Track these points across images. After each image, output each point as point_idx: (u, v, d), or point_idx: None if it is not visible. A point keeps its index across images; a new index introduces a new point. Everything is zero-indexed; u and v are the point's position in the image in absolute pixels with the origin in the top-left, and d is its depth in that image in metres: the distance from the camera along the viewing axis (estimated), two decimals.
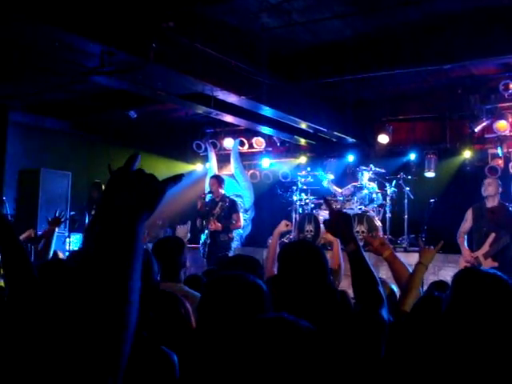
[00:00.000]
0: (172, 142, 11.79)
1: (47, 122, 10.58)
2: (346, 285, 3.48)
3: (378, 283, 2.21)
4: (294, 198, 10.13)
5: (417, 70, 8.02)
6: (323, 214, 9.38)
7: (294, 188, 10.18)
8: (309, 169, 10.40)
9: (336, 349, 1.93)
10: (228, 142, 11.60)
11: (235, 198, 9.49)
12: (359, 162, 10.27)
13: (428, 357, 1.86)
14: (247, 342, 1.26)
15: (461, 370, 1.76)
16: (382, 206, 9.53)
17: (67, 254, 8.13)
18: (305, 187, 10.21)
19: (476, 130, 9.23)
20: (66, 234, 9.30)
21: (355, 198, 9.47)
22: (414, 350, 1.99)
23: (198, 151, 11.92)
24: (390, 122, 10.27)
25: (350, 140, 10.46)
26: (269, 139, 11.38)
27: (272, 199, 10.86)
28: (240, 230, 10.39)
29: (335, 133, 10.03)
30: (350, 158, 10.73)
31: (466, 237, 7.10)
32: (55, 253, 5.47)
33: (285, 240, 8.94)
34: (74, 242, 9.53)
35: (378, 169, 9.60)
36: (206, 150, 11.81)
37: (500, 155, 9.34)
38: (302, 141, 10.90)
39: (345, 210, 9.40)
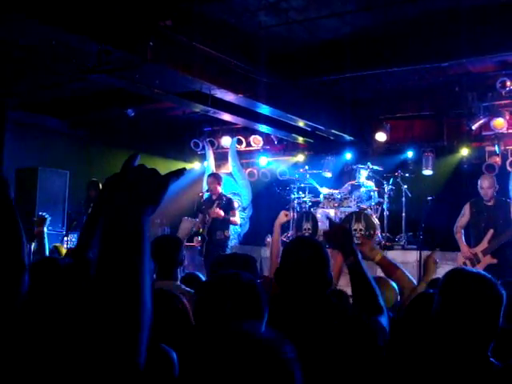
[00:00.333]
0: (170, 141, 11.77)
1: (45, 121, 10.55)
2: (344, 283, 3.49)
3: (377, 295, 2.22)
4: (292, 196, 10.14)
5: (414, 68, 8.02)
6: (321, 212, 9.39)
7: (292, 186, 10.20)
8: (307, 167, 10.39)
9: (331, 350, 1.94)
10: (226, 141, 11.59)
11: (232, 197, 9.49)
12: (357, 160, 10.26)
13: (419, 352, 1.89)
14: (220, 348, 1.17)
15: (446, 366, 1.79)
16: (379, 204, 9.53)
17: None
18: (302, 185, 10.23)
19: (473, 127, 9.22)
20: (64, 232, 9.29)
21: (353, 196, 9.47)
22: (406, 346, 2.01)
23: (195, 149, 11.92)
24: (388, 120, 10.25)
25: (348, 138, 10.45)
26: (266, 137, 11.38)
27: (270, 197, 10.86)
28: (238, 228, 10.41)
29: (333, 131, 10.03)
30: (348, 156, 10.73)
31: (463, 231, 7.07)
32: (57, 248, 5.53)
33: (283, 238, 8.93)
34: (73, 240, 9.51)
35: (375, 167, 9.60)
36: (203, 148, 11.81)
37: (497, 153, 9.34)
38: (300, 139, 10.90)
39: (343, 208, 9.42)
